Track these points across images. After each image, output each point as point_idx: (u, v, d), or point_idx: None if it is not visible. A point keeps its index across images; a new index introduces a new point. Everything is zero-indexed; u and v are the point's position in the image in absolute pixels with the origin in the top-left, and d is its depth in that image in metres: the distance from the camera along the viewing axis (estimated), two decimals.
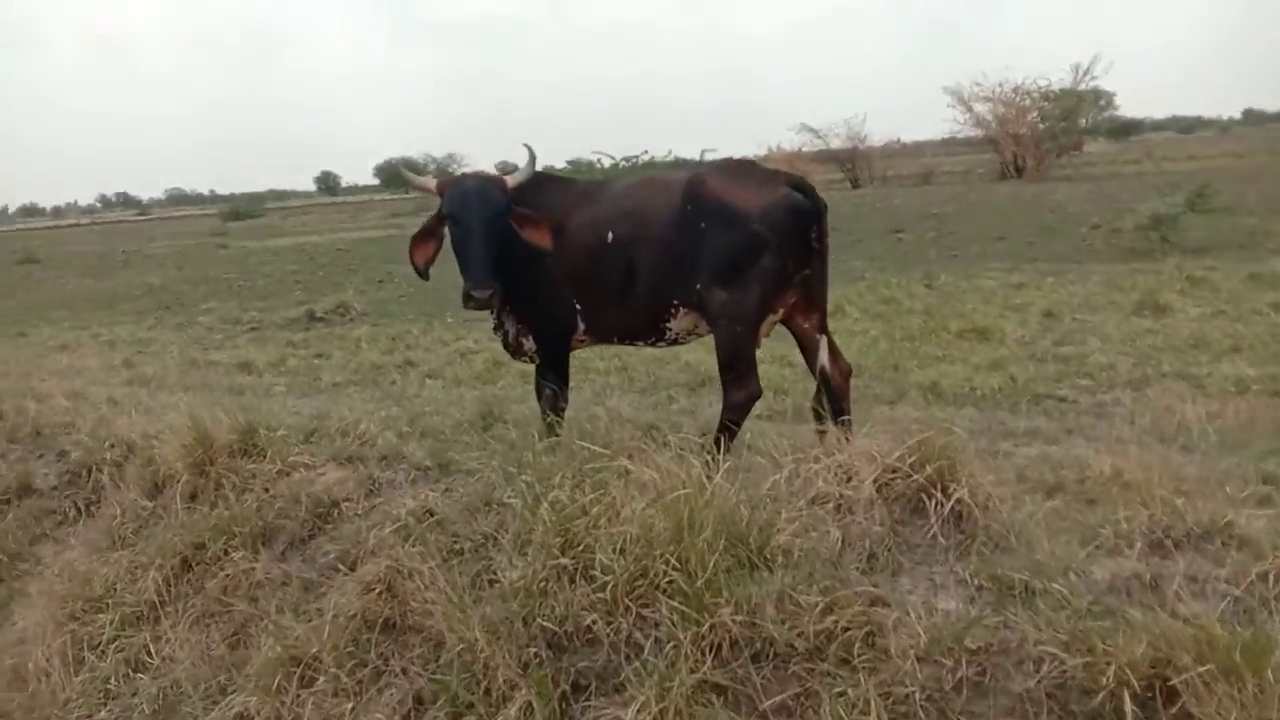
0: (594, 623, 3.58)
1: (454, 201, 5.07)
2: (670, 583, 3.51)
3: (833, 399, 5.13)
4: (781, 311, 5.05)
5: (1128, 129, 65.32)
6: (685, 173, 5.14)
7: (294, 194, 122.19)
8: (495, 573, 3.97)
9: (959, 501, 3.62)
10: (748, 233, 4.78)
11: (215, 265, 25.95)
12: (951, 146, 54.20)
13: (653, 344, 5.37)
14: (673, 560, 3.51)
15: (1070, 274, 13.65)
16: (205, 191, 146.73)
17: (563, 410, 5.54)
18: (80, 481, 5.87)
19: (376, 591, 4.06)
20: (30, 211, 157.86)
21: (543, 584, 3.75)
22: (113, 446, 5.84)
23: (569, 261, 5.14)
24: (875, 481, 3.77)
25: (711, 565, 3.45)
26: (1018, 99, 41.93)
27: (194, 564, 4.62)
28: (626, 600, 3.57)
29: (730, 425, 5.05)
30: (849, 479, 3.94)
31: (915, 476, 3.69)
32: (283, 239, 36.32)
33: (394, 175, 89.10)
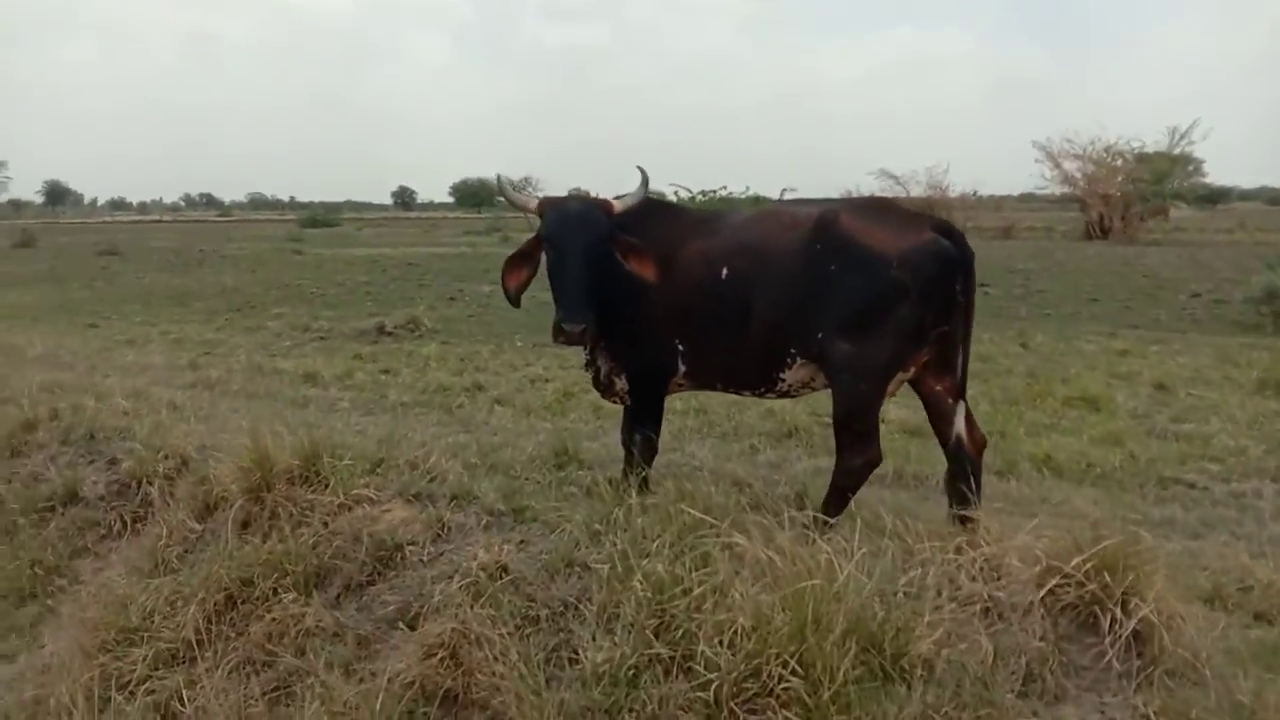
0: None
1: (554, 224, 4.62)
2: (787, 690, 2.96)
3: (965, 475, 4.54)
4: (913, 370, 4.49)
5: (1215, 197, 63.31)
6: (814, 208, 4.62)
7: (370, 206, 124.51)
8: (576, 650, 3.46)
9: (1142, 621, 3.00)
10: (885, 279, 4.24)
11: (289, 270, 26.04)
12: (1031, 202, 52.97)
13: (761, 394, 4.84)
14: (792, 663, 2.97)
15: (1175, 343, 12.82)
16: (285, 198, 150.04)
17: (652, 459, 5.03)
18: (129, 493, 5.50)
19: (439, 657, 3.57)
20: (118, 205, 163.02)
21: (632, 672, 3.23)
22: (166, 458, 5.47)
23: (675, 297, 4.65)
24: (1039, 586, 3.17)
25: (841, 674, 2.90)
26: (1109, 158, 40.74)
27: (240, 602, 4.17)
28: (733, 704, 3.03)
29: (843, 493, 4.49)
30: (997, 577, 3.36)
31: (1089, 586, 3.08)
32: (357, 249, 36.54)
33: (470, 193, 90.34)
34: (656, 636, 3.25)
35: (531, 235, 4.88)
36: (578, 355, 11.64)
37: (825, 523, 4.38)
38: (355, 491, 4.53)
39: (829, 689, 2.87)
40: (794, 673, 2.95)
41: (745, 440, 7.56)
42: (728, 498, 3.98)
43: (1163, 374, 10.48)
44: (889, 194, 44.65)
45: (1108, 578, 3.04)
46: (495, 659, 3.47)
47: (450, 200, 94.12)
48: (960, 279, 4.35)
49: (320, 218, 64.92)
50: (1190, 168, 45.29)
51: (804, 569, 3.11)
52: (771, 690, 2.99)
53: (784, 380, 4.64)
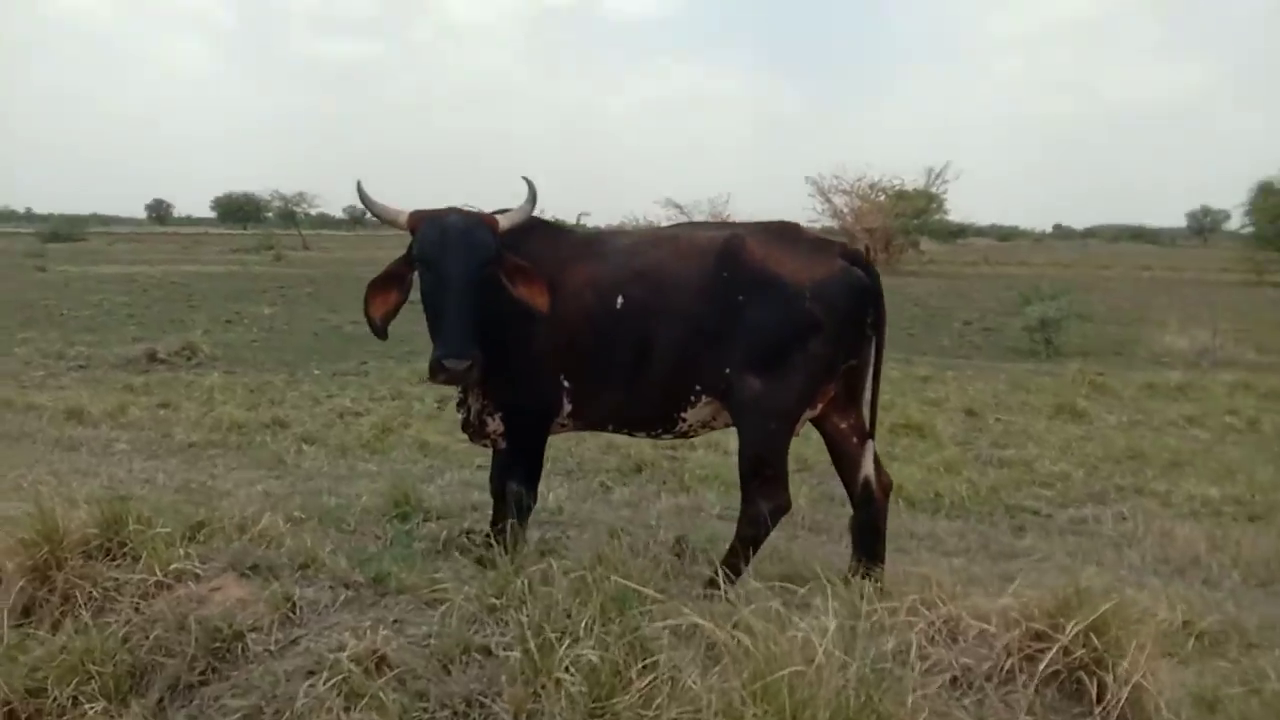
0: None
1: (431, 242, 3.98)
2: None
3: (874, 523, 4.28)
4: (819, 407, 4.18)
5: (955, 233, 69.12)
6: (715, 231, 4.23)
7: (120, 220, 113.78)
8: None
9: (1133, 686, 2.76)
10: (797, 311, 3.92)
11: (32, 289, 23.05)
12: None
13: (656, 435, 4.38)
14: None
15: (967, 369, 13.52)
16: (19, 208, 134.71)
17: (528, 512, 4.45)
18: None
19: None
20: None
21: None
22: None
23: (562, 328, 4.12)
24: (1018, 651, 2.88)
25: None
26: (873, 194, 43.57)
27: (25, 718, 3.22)
28: None
29: (751, 543, 4.10)
30: (959, 640, 3.05)
31: (1076, 651, 2.81)
32: (109, 266, 33.07)
33: (235, 208, 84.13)
34: None
35: (399, 257, 4.21)
36: (391, 386, 10.95)
37: (729, 579, 3.99)
38: (174, 566, 3.67)
39: None
40: None
41: (593, 478, 7.07)
42: (649, 560, 3.45)
43: (969, 400, 10.92)
44: (670, 222, 45.66)
45: (1096, 641, 2.79)
46: None
47: (212, 215, 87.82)
48: (872, 310, 4.10)
49: (64, 231, 58.56)
50: (933, 205, 49.26)
51: (779, 651, 2.66)
52: None
53: (685, 420, 4.21)
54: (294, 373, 11.96)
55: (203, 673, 3.34)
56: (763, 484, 4.05)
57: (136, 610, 3.51)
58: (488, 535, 4.65)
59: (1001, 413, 10.47)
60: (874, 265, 4.21)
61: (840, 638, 2.72)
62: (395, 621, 3.46)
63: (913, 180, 43.23)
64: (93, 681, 3.27)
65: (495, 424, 4.43)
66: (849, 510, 4.42)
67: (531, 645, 2.99)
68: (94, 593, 3.57)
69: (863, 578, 4.18)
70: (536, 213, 4.31)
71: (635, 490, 6.78)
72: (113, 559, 3.73)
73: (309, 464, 7.28)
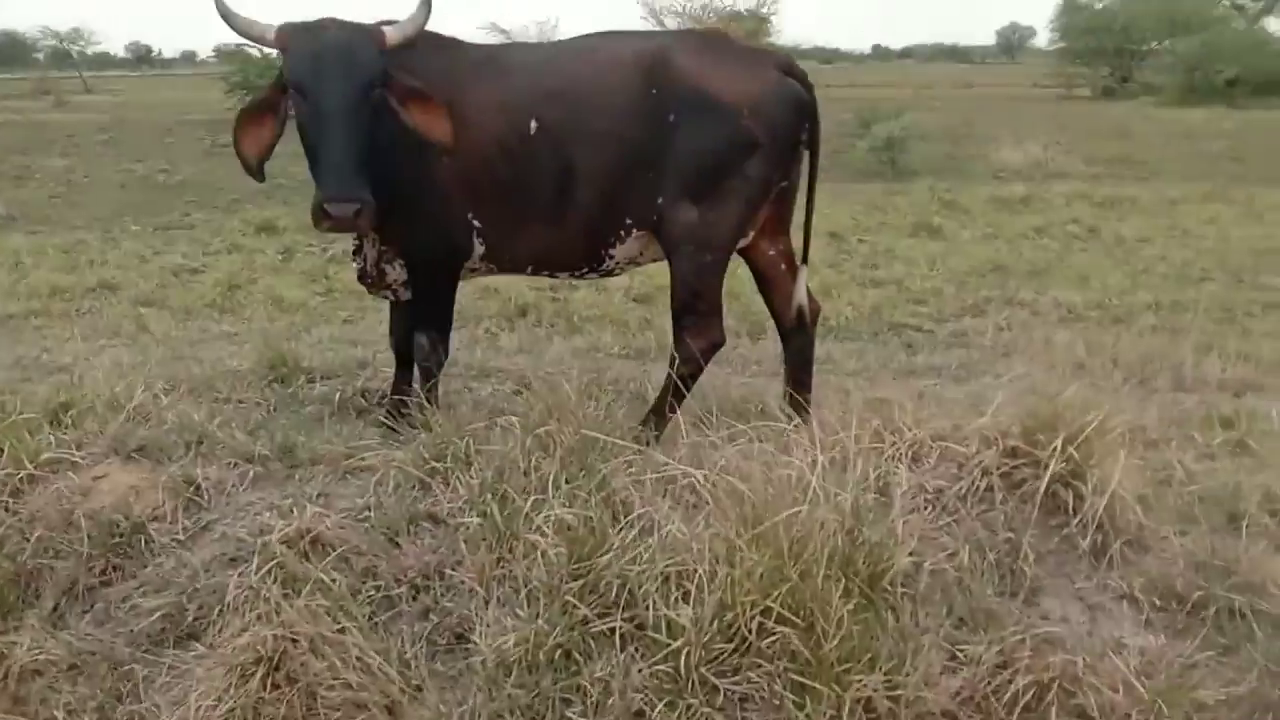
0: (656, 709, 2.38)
1: (303, 62, 3.39)
2: (774, 642, 2.39)
3: (806, 354, 4.17)
4: (750, 235, 3.94)
5: None
6: (640, 42, 3.81)
7: None
8: (463, 635, 2.62)
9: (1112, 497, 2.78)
10: (734, 130, 3.60)
11: None
12: None
13: (580, 275, 4.06)
14: (776, 608, 2.39)
15: (822, 193, 13.59)
16: None
17: (440, 367, 4.09)
18: None
19: (259, 677, 2.54)
20: None
21: (558, 653, 2.47)
22: None
23: (468, 159, 3.66)
24: (994, 471, 2.83)
25: (834, 613, 2.37)
26: (705, 16, 42.58)
27: None
28: (702, 670, 2.40)
29: (685, 382, 3.89)
30: (929, 464, 3.00)
31: (1053, 466, 2.78)
32: None
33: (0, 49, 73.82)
34: (582, 602, 2.50)
35: (270, 82, 3.61)
36: (224, 238, 10.02)
37: (658, 421, 3.82)
38: (46, 455, 3.17)
39: (833, 633, 2.34)
40: (780, 620, 2.38)
41: (475, 325, 6.70)
42: (596, 406, 3.19)
43: (830, 224, 10.96)
44: None
45: (1076, 454, 2.77)
46: (348, 666, 2.53)
47: None
48: (808, 125, 3.84)
49: None
50: (765, 27, 48.81)
51: (773, 493, 2.50)
52: (751, 646, 2.40)
53: (612, 257, 3.89)
54: (108, 230, 10.79)
55: (103, 572, 2.95)
56: (697, 320, 3.81)
57: (7, 510, 3.02)
58: (388, 396, 4.29)
59: (863, 234, 10.60)
60: (805, 75, 3.91)
61: (830, 473, 2.59)
62: (320, 496, 3.14)
63: (743, 2, 42.45)
64: None
65: (396, 272, 3.99)
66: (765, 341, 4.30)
67: (493, 508, 2.73)
68: None
69: (795, 408, 4.13)
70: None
71: (524, 335, 6.47)
72: None
73: (154, 329, 6.56)
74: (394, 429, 3.69)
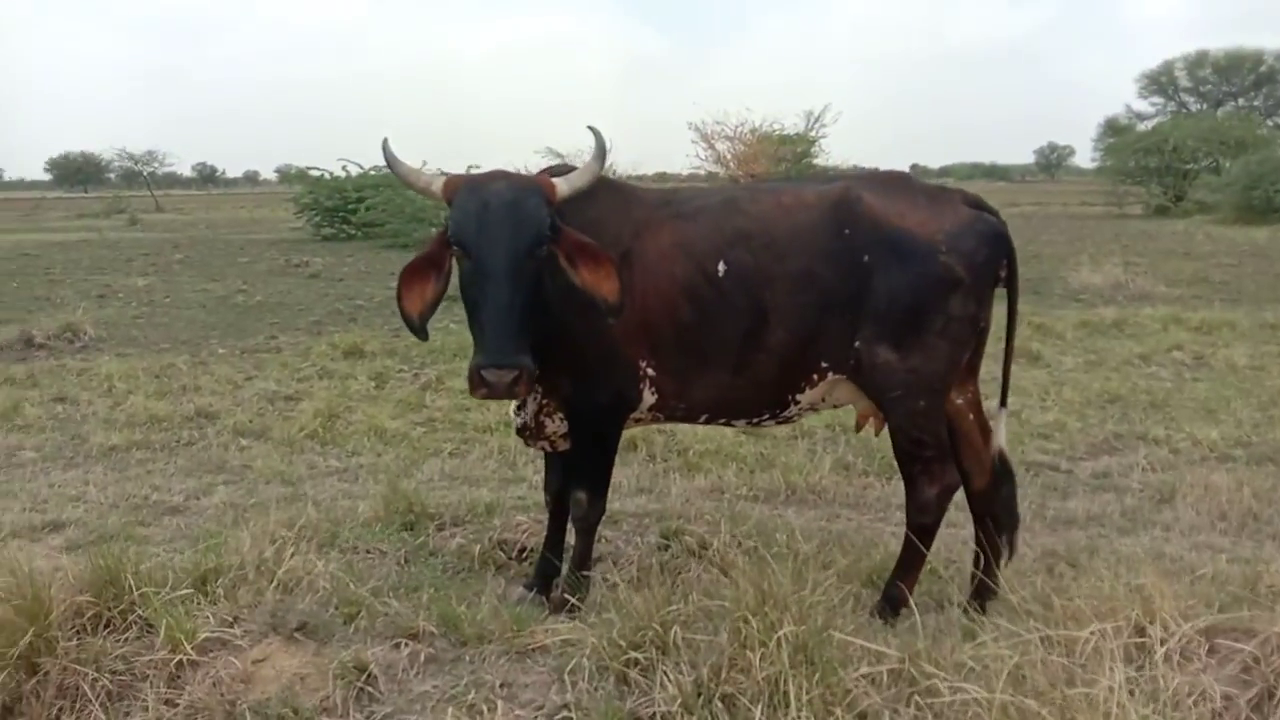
0: None
1: (469, 218, 3.22)
2: None
3: (1012, 500, 3.89)
4: None
5: (832, 177, 70.25)
6: (820, 184, 3.64)
7: None
8: None
9: None
10: (934, 267, 3.40)
11: None
12: (694, 180, 56.08)
13: (756, 423, 3.81)
14: None
15: None
16: None
17: (596, 525, 3.82)
18: None
19: None
20: None
21: None
22: None
23: (645, 304, 3.46)
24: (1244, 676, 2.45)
25: None
26: (756, 140, 43.57)
27: None
28: None
29: (925, 535, 3.67)
30: (1189, 662, 2.61)
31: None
32: None
33: (74, 169, 77.54)
34: None
35: (433, 237, 3.45)
36: (312, 363, 9.93)
37: (904, 590, 3.56)
38: (203, 636, 2.88)
39: None
40: None
41: None
42: (816, 592, 2.85)
43: None
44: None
45: None
46: None
47: (47, 177, 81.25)
48: (1005, 261, 3.64)
49: None
50: (813, 147, 49.76)
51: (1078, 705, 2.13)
52: None
53: (798, 402, 3.66)
54: (196, 352, 10.77)
55: None
56: (925, 467, 3.63)
57: (166, 702, 2.72)
58: (542, 555, 4.01)
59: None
60: (997, 211, 3.73)
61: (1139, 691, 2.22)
62: (503, 687, 2.80)
63: (792, 124, 43.38)
64: None
65: (555, 424, 3.75)
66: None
67: (721, 717, 2.38)
68: (101, 681, 2.75)
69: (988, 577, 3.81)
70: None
71: (638, 471, 6.18)
72: (115, 631, 2.91)
73: (259, 464, 6.36)
74: (576, 605, 3.42)
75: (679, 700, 2.53)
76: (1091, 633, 2.54)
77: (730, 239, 3.49)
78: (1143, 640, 2.65)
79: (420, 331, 3.41)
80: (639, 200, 3.69)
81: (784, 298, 3.45)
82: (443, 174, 3.39)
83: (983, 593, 3.85)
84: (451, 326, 11.80)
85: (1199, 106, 49.10)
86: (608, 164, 3.40)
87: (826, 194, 3.54)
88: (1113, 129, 50.63)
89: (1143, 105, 57.94)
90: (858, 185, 3.58)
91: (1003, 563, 3.89)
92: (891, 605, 3.63)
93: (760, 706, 2.40)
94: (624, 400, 3.61)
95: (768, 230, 3.48)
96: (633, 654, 2.74)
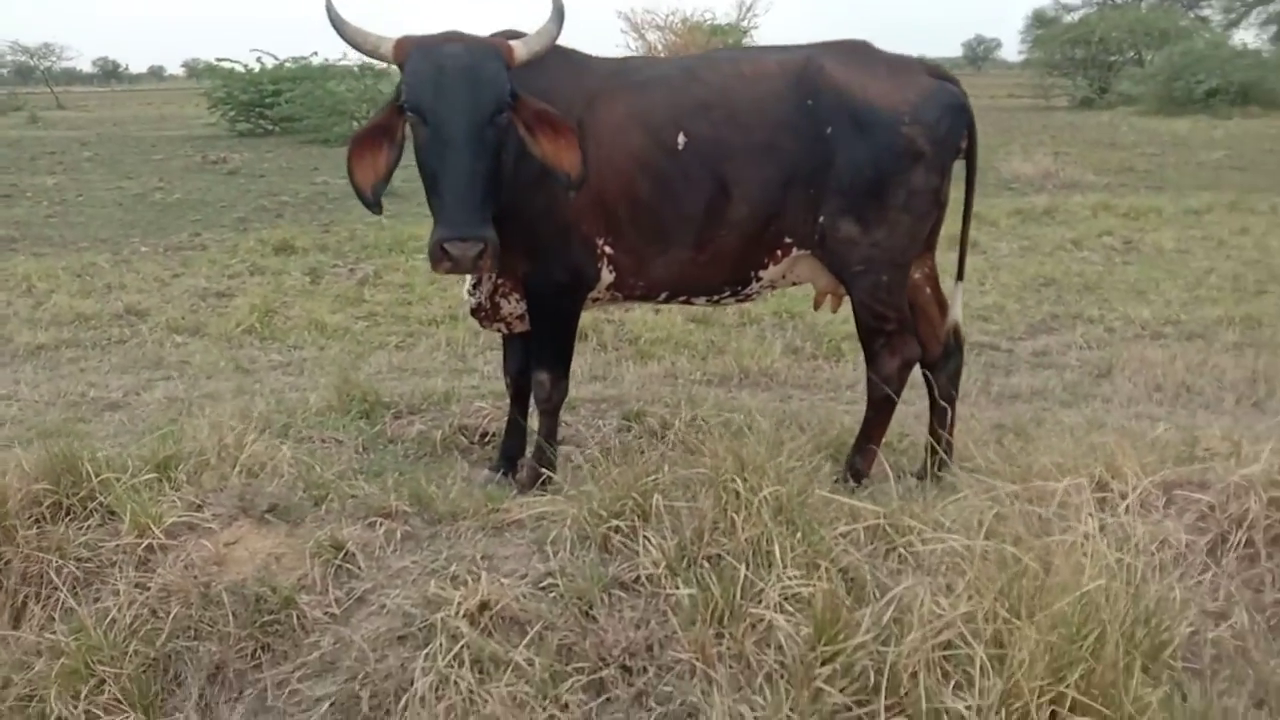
0: None
1: (424, 82, 3.07)
2: None
3: (957, 375, 3.95)
4: None
5: None
6: (783, 53, 3.54)
7: None
8: None
9: None
10: (896, 139, 3.36)
11: None
12: None
13: (717, 301, 3.78)
14: (1073, 694, 2.10)
15: None
16: None
17: (559, 406, 3.79)
18: None
19: None
20: None
21: None
22: None
23: (603, 178, 3.36)
24: (1264, 524, 2.57)
25: (1148, 700, 2.09)
26: (686, 29, 42.59)
27: None
28: None
29: (886, 405, 3.71)
30: (1149, 513, 2.72)
31: None
32: None
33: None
34: (834, 688, 2.19)
35: (384, 103, 3.29)
36: (241, 259, 9.61)
37: (866, 460, 3.63)
38: (170, 520, 2.81)
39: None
40: (1077, 708, 2.09)
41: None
42: (784, 457, 2.88)
43: None
44: None
45: None
46: None
47: None
48: (966, 132, 3.62)
49: None
50: (746, 38, 48.99)
51: (1055, 564, 2.21)
52: None
53: (760, 279, 3.63)
54: (117, 250, 10.30)
55: (253, 655, 2.59)
56: (888, 339, 3.65)
57: (137, 586, 2.66)
58: (504, 436, 3.99)
59: None
60: (957, 80, 3.69)
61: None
62: (484, 559, 2.80)
63: (724, 13, 42.51)
64: (106, 686, 2.46)
65: (512, 305, 3.68)
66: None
67: (709, 576, 2.42)
68: (68, 568, 2.68)
69: (939, 443, 3.89)
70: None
71: (590, 360, 6.15)
72: (77, 519, 2.83)
73: (197, 359, 6.18)
74: (548, 478, 3.42)
75: (663, 563, 2.56)
76: (1064, 486, 2.62)
77: (689, 110, 3.39)
78: (1105, 494, 2.75)
79: (374, 205, 3.29)
80: (590, 69, 3.55)
81: (746, 171, 3.38)
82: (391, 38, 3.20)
83: (939, 465, 3.95)
84: (384, 222, 11.54)
85: None
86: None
87: (788, 63, 3.45)
88: (1040, 21, 50.60)
89: None
90: (820, 54, 3.49)
91: (931, 428, 3.98)
92: (855, 475, 3.71)
93: (745, 565, 2.44)
94: (581, 279, 3.54)
95: (728, 100, 3.39)
96: (613, 522, 2.76)
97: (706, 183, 3.38)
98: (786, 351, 6.23)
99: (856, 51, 3.56)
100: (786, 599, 2.35)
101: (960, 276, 3.92)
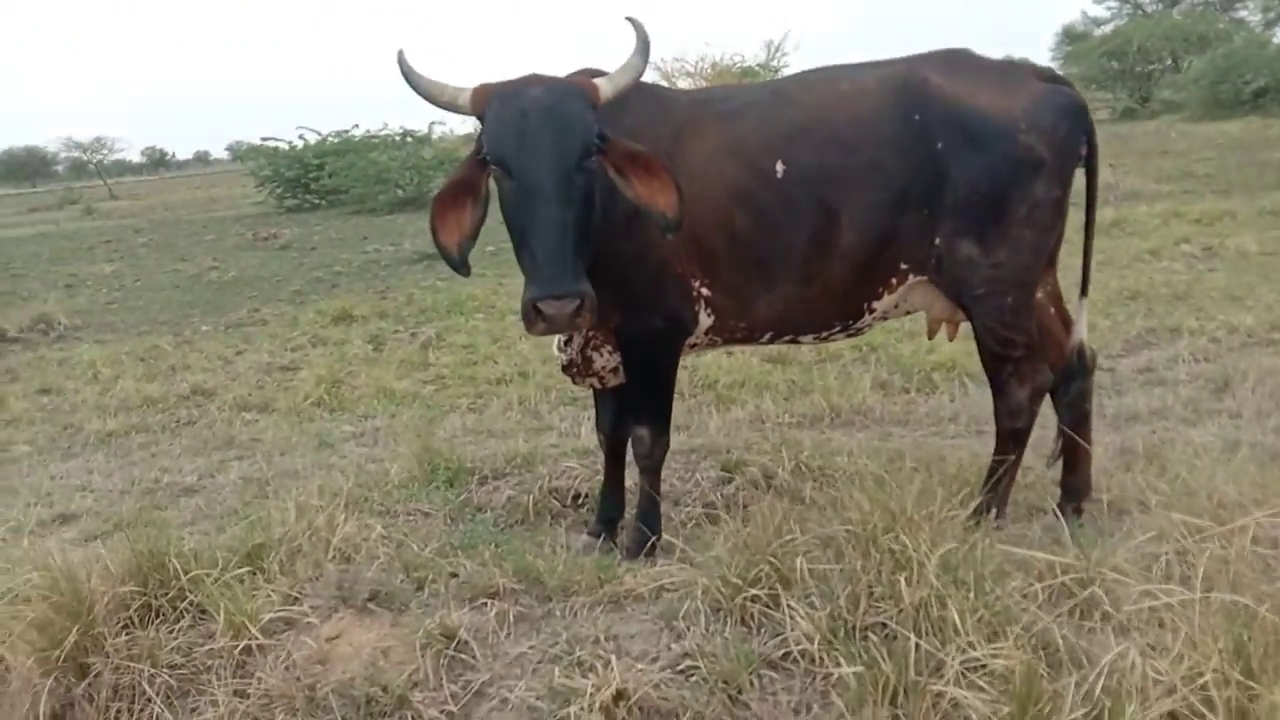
0: None
1: (506, 130, 2.87)
2: None
3: (1087, 397, 3.64)
4: None
5: None
6: (881, 69, 3.31)
7: None
8: None
9: None
10: (1013, 149, 3.11)
11: None
12: None
13: (825, 338, 3.52)
14: None
15: None
16: None
17: (662, 461, 3.53)
18: None
19: None
20: None
21: None
22: None
23: (694, 219, 3.13)
24: None
25: None
26: (715, 74, 42.88)
27: None
28: None
29: (1018, 440, 3.41)
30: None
31: None
32: None
33: (18, 164, 75.06)
34: None
35: (465, 158, 3.10)
36: (303, 331, 9.54)
37: (1000, 499, 3.33)
38: (268, 618, 2.58)
39: None
40: None
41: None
42: (936, 505, 2.58)
43: None
44: None
45: None
46: None
47: None
48: (1085, 136, 3.35)
49: None
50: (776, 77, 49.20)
51: None
52: None
53: (874, 311, 3.37)
54: (179, 331, 10.33)
55: None
56: (1015, 367, 3.36)
57: (236, 694, 2.43)
58: (602, 496, 3.74)
59: None
60: (1072, 83, 3.44)
61: None
62: (606, 639, 2.52)
63: (753, 54, 42.72)
64: None
65: (604, 359, 3.45)
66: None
67: (878, 651, 2.12)
68: (161, 677, 2.46)
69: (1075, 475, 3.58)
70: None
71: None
72: (167, 621, 2.61)
73: (269, 435, 6.03)
74: (651, 539, 3.15)
75: (817, 636, 2.27)
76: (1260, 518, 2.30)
77: (786, 135, 3.16)
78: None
79: (461, 265, 3.08)
80: (674, 102, 3.35)
81: (853, 195, 3.13)
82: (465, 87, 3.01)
83: (1074, 494, 3.63)
84: (438, 284, 11.48)
85: (1155, 7, 48.61)
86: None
87: (888, 77, 3.21)
88: (1070, 36, 50.16)
89: (1098, 11, 57.42)
90: (921, 66, 3.25)
91: (1056, 455, 3.66)
92: (995, 505, 3.39)
93: (915, 633, 2.14)
94: (679, 325, 3.30)
95: (827, 122, 3.16)
96: (750, 591, 2.47)
97: (811, 211, 3.13)
98: (875, 387, 5.92)
99: (958, 59, 3.32)
100: (969, 670, 2.04)
101: (1084, 292, 3.63)
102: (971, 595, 2.19)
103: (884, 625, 2.23)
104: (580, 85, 2.98)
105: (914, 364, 6.27)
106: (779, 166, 3.14)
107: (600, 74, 3.14)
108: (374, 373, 7.41)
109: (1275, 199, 12.77)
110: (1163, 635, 2.00)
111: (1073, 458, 3.62)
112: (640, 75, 3.07)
